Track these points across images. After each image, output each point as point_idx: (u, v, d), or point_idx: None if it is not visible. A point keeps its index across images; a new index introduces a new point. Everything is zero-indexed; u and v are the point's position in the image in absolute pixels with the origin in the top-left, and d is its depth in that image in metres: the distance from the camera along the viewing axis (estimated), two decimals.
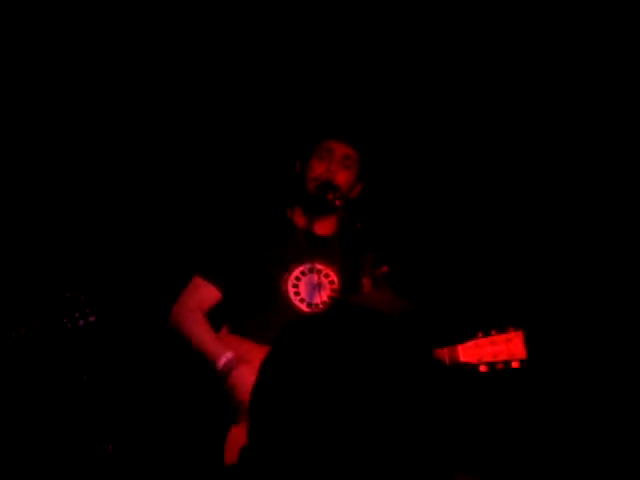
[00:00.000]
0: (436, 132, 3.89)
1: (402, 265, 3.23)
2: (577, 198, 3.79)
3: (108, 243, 3.83)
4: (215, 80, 3.84)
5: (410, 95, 3.86)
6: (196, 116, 3.87)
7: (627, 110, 3.67)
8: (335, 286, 2.99)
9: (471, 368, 2.89)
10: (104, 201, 3.84)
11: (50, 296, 3.40)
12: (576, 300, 3.73)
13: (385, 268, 2.87)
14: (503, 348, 2.91)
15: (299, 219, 3.07)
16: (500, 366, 2.90)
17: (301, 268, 2.99)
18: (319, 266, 2.99)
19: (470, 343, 2.90)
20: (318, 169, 2.98)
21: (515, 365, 2.90)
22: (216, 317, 2.96)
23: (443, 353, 2.87)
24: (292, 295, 2.95)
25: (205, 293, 2.95)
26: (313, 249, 3.01)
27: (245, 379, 2.69)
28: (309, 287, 2.96)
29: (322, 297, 2.94)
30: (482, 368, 2.89)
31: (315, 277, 2.97)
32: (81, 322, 3.36)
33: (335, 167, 2.97)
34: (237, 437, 2.68)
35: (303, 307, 2.94)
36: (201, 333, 2.86)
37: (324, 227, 3.07)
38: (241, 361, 2.75)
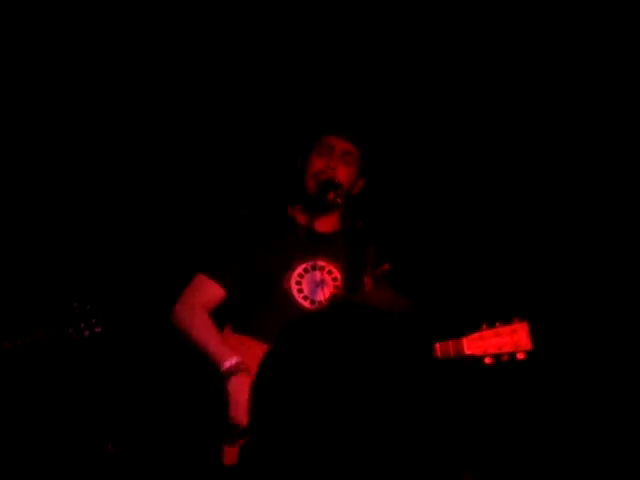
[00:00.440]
0: (437, 127, 3.89)
1: (405, 257, 3.23)
2: (581, 189, 3.78)
3: (114, 252, 3.83)
4: (216, 77, 3.84)
5: (410, 90, 3.85)
6: (197, 114, 3.87)
7: (627, 109, 3.67)
8: (338, 283, 2.98)
9: (476, 360, 2.88)
10: (109, 209, 3.84)
11: (56, 305, 3.40)
12: (580, 290, 3.73)
13: (386, 266, 2.86)
14: (508, 340, 2.89)
15: (301, 216, 3.07)
16: (505, 358, 2.88)
17: (304, 265, 2.98)
18: (322, 263, 2.99)
19: (475, 335, 2.89)
20: (318, 165, 2.97)
21: (520, 357, 2.88)
22: (219, 316, 2.96)
23: (448, 346, 2.85)
24: (295, 292, 2.95)
25: (209, 291, 2.93)
26: (315, 246, 3.00)
27: (242, 393, 2.67)
28: (312, 284, 2.96)
29: (325, 294, 2.94)
30: (487, 360, 2.88)
31: (318, 274, 2.97)
32: (87, 332, 3.36)
33: (335, 163, 2.96)
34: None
35: (306, 304, 2.94)
36: (206, 332, 2.85)
37: (326, 224, 3.06)
38: (245, 370, 2.74)
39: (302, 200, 3.06)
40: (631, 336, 3.63)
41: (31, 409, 3.59)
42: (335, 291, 2.97)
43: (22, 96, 3.71)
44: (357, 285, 2.89)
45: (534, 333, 2.90)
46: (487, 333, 2.89)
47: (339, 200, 2.91)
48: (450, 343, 2.86)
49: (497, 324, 2.91)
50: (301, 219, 3.07)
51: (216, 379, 2.76)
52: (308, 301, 2.95)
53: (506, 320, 2.92)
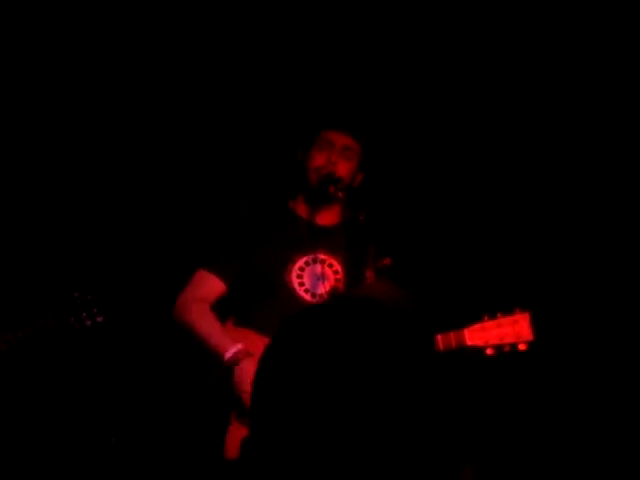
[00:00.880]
0: (437, 121, 3.88)
1: (407, 248, 3.23)
2: (580, 179, 3.78)
3: (115, 243, 3.83)
4: (217, 73, 3.84)
5: (410, 84, 3.85)
6: (197, 109, 3.87)
7: (627, 109, 3.66)
8: (339, 276, 2.99)
9: (478, 351, 2.88)
10: (110, 200, 3.85)
11: (58, 295, 3.41)
12: (582, 281, 3.72)
13: (388, 260, 2.86)
14: (510, 330, 2.89)
15: (302, 209, 3.07)
16: (507, 348, 2.88)
17: (305, 258, 2.99)
18: (322, 256, 2.99)
19: (476, 326, 2.89)
20: (319, 160, 2.97)
21: (522, 347, 2.88)
22: (221, 310, 2.97)
23: (449, 337, 2.85)
24: (296, 285, 2.95)
25: (210, 285, 2.95)
26: (316, 239, 3.00)
27: (250, 374, 2.69)
28: (313, 277, 2.97)
29: (326, 287, 2.94)
30: (489, 351, 2.88)
31: (319, 267, 2.97)
32: (88, 322, 3.37)
33: (336, 158, 2.96)
34: (238, 431, 2.69)
35: (307, 297, 2.95)
36: (209, 324, 2.86)
37: (327, 217, 3.07)
38: (248, 355, 2.76)
39: (303, 194, 3.06)
40: (632, 327, 3.63)
41: (33, 400, 3.60)
42: (336, 284, 2.97)
43: (22, 96, 3.72)
44: (358, 278, 2.90)
45: (536, 324, 2.89)
46: (489, 324, 2.89)
47: (340, 194, 2.92)
48: (452, 334, 2.86)
49: (499, 315, 2.91)
50: (302, 212, 3.07)
51: (218, 370, 2.77)
52: (309, 294, 2.95)
53: (508, 311, 2.92)
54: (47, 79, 3.73)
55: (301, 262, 2.98)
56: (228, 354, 2.75)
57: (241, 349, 2.76)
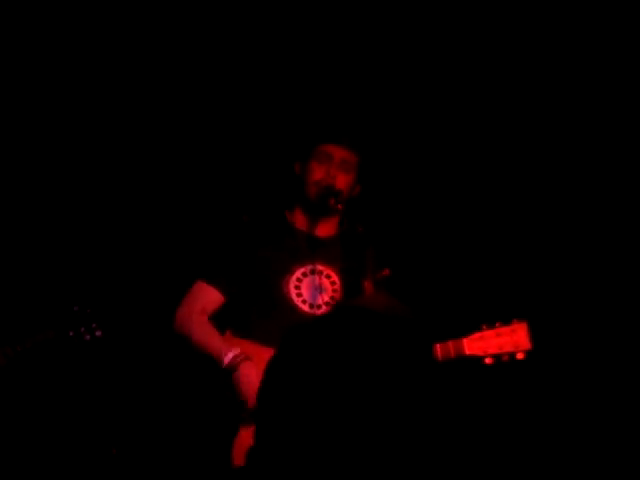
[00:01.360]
0: (434, 132, 3.90)
1: (405, 258, 3.24)
2: (579, 189, 3.79)
3: (115, 256, 3.84)
4: (215, 82, 3.84)
5: (407, 96, 3.86)
6: (197, 120, 3.87)
7: (627, 108, 3.68)
8: (337, 287, 3.01)
9: (477, 361, 2.89)
10: (109, 214, 3.85)
11: (57, 309, 3.41)
12: (579, 290, 3.73)
13: (386, 272, 2.88)
14: (508, 339, 2.89)
15: (299, 221, 3.09)
16: (506, 358, 2.89)
17: (302, 269, 3.01)
18: (320, 267, 3.01)
19: (475, 336, 2.89)
20: (318, 173, 3.00)
21: (520, 356, 2.88)
22: (220, 320, 2.98)
23: (448, 346, 2.86)
24: (294, 296, 2.97)
25: (208, 297, 2.97)
26: (314, 250, 3.02)
27: (250, 377, 2.74)
28: (311, 288, 2.99)
29: (324, 298, 2.96)
30: (488, 360, 2.88)
31: (317, 278, 2.99)
32: (87, 336, 3.37)
33: (335, 171, 2.99)
34: (245, 439, 2.71)
35: (305, 308, 2.97)
36: (207, 333, 2.90)
37: (325, 229, 3.09)
38: (246, 358, 2.79)
39: (301, 205, 3.08)
40: (630, 335, 3.64)
41: (33, 413, 3.59)
42: (334, 295, 2.99)
43: (22, 97, 3.71)
44: (356, 289, 2.92)
45: (533, 333, 2.90)
46: (488, 333, 2.90)
47: (339, 206, 2.95)
48: (450, 344, 2.87)
49: (497, 324, 2.91)
50: (300, 224, 3.09)
51: (219, 378, 2.79)
52: (307, 305, 2.97)
53: (506, 320, 2.92)
54: (47, 80, 3.72)
55: (299, 273, 3.00)
56: (227, 359, 2.80)
57: (239, 353, 2.80)
